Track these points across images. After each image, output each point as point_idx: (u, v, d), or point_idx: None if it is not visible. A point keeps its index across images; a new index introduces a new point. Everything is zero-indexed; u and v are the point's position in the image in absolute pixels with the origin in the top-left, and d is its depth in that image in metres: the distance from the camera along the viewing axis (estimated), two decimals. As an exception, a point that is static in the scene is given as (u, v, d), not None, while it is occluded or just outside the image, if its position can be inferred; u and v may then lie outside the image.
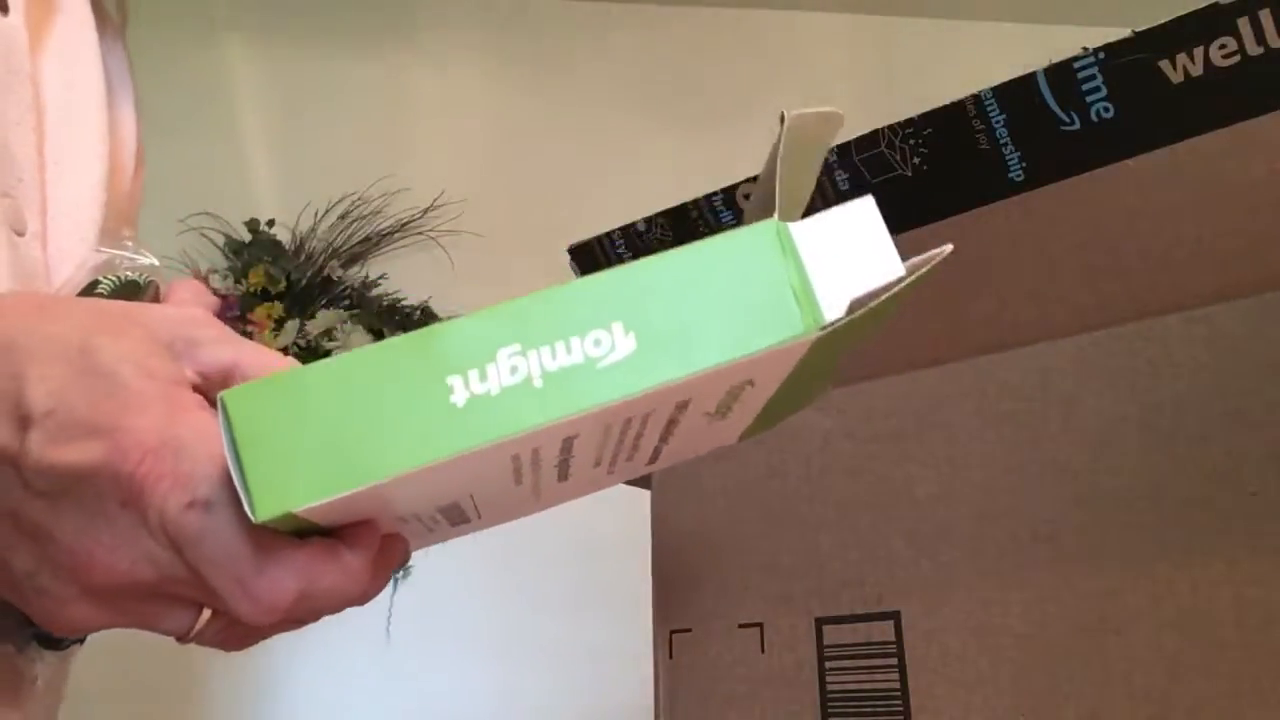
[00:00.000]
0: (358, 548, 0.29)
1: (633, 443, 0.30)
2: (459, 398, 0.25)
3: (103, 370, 0.28)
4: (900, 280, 0.27)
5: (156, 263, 0.44)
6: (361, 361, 0.26)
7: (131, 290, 0.41)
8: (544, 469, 0.29)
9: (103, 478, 0.27)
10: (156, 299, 0.43)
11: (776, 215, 0.27)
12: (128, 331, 0.29)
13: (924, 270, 0.28)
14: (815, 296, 0.26)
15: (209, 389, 0.30)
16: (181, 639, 0.31)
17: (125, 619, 0.30)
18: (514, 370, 0.25)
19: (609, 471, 0.33)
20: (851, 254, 0.27)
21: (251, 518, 0.25)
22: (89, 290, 0.41)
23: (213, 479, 0.27)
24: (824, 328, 0.26)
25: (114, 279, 0.41)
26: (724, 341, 0.25)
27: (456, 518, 0.32)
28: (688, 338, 0.25)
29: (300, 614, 0.30)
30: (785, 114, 0.30)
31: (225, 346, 0.31)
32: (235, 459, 0.25)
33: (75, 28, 0.51)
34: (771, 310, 0.26)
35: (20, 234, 0.42)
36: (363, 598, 0.31)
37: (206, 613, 0.30)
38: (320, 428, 0.25)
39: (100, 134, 0.51)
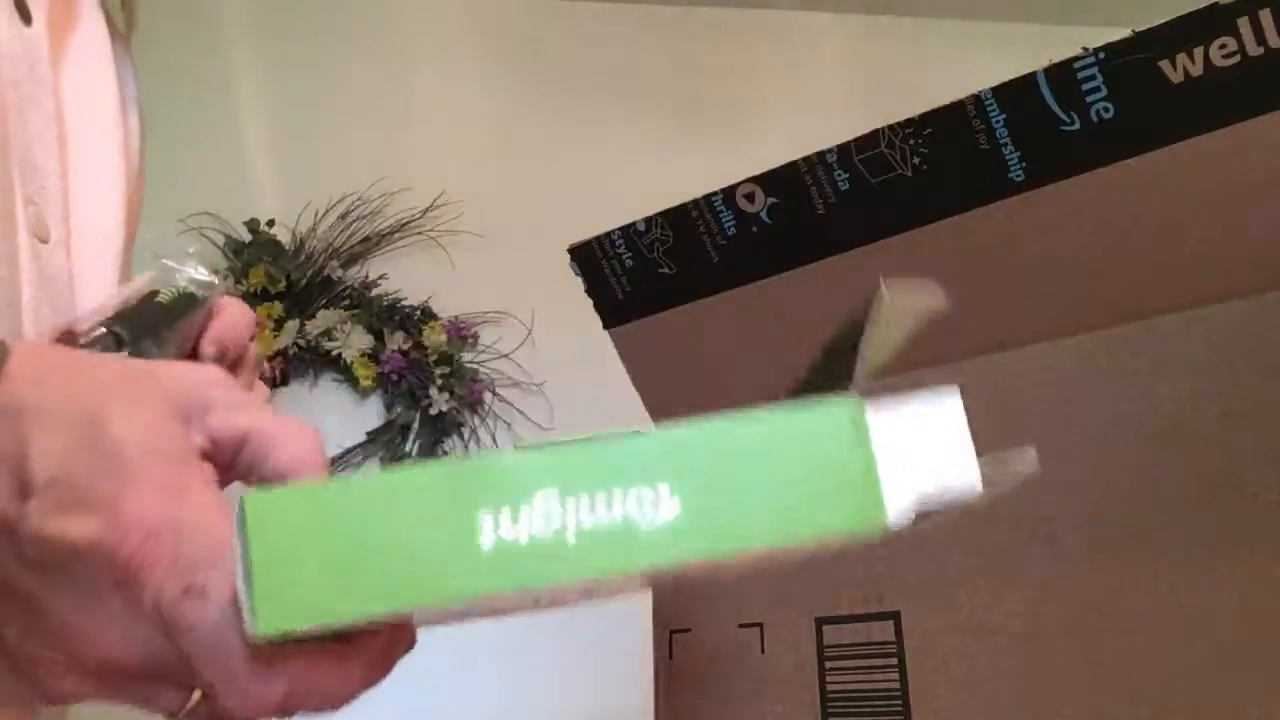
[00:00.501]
0: (358, 655, 0.28)
1: None
2: (487, 540, 0.24)
3: (109, 443, 0.27)
4: (974, 495, 0.26)
5: (215, 280, 0.44)
6: (395, 484, 0.24)
7: (188, 303, 0.41)
8: (563, 594, 0.28)
9: (97, 557, 0.27)
10: (210, 315, 0.43)
11: (853, 393, 0.25)
12: (142, 398, 0.29)
13: (997, 488, 0.26)
14: (882, 497, 0.24)
15: (220, 456, 0.29)
16: (172, 716, 0.31)
17: (115, 695, 0.30)
18: (548, 518, 0.24)
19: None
20: (928, 456, 0.25)
21: (250, 631, 0.24)
22: (149, 299, 0.40)
23: (211, 566, 0.26)
24: (885, 530, 0.24)
25: (173, 290, 0.41)
26: (774, 524, 0.24)
27: (465, 617, 0.31)
28: (736, 513, 0.24)
29: (292, 709, 0.29)
30: (883, 285, 0.28)
31: (239, 413, 0.30)
32: (245, 566, 0.24)
33: (92, 38, 0.51)
34: (832, 501, 0.24)
35: (44, 241, 0.42)
36: (361, 693, 0.30)
37: (197, 693, 0.29)
38: (339, 549, 0.24)
39: (117, 143, 0.51)
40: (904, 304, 0.29)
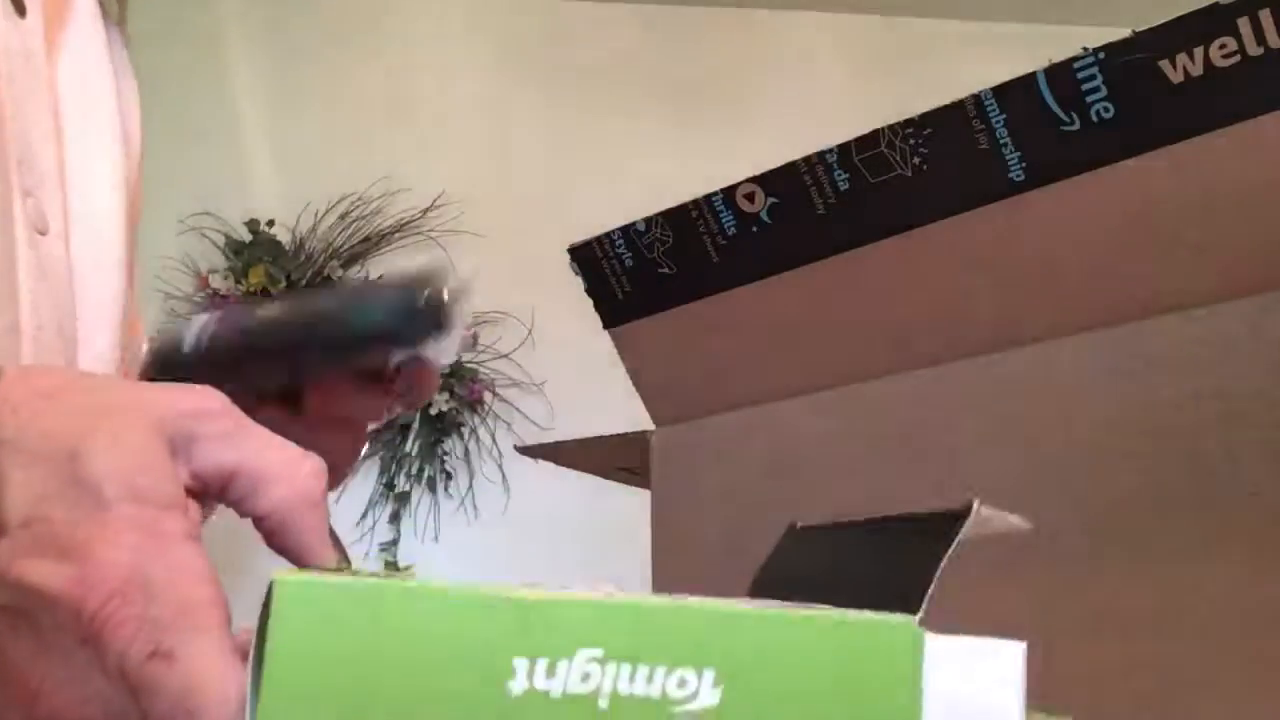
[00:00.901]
0: None
1: None
2: (518, 686, 0.23)
3: (88, 481, 0.26)
4: None
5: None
6: (435, 602, 0.23)
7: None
8: None
9: (64, 608, 0.25)
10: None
11: (918, 616, 0.25)
12: (128, 428, 0.27)
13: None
14: None
15: (205, 492, 0.28)
16: None
17: None
18: (585, 678, 0.23)
19: None
20: (974, 706, 0.25)
21: None
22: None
23: (181, 629, 0.25)
24: None
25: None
26: None
27: None
28: (775, 712, 0.23)
29: None
30: (976, 506, 0.28)
31: (227, 447, 0.28)
32: (259, 649, 0.23)
33: (86, 27, 0.51)
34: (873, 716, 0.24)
35: (43, 233, 0.42)
36: None
37: None
38: (363, 657, 0.23)
39: (114, 133, 0.51)
40: (986, 527, 0.30)
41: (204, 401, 0.29)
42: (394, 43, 2.20)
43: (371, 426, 0.47)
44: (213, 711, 0.24)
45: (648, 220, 0.56)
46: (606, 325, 0.59)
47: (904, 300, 0.51)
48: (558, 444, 0.66)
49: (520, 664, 0.23)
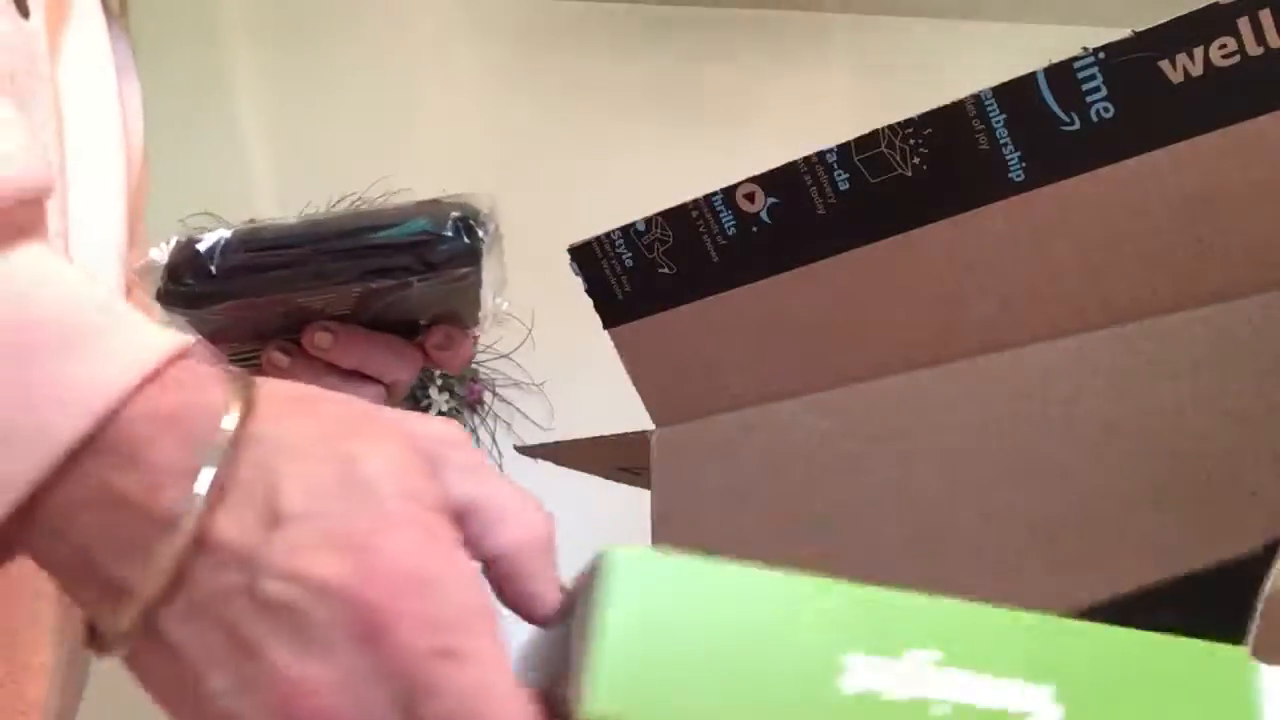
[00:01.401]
0: None
1: None
2: (851, 684, 0.22)
3: (364, 480, 0.25)
4: None
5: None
6: (775, 585, 0.23)
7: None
8: None
9: (342, 600, 0.24)
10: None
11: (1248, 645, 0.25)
12: (389, 438, 0.27)
13: None
14: None
15: None
16: None
17: None
18: (923, 682, 0.22)
19: None
20: None
21: (575, 708, 0.21)
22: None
23: (466, 631, 0.24)
24: None
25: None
26: None
27: None
28: None
29: None
30: None
31: (471, 479, 0.28)
32: (587, 629, 0.22)
33: (88, 27, 0.51)
34: None
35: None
36: None
37: None
38: (693, 639, 0.22)
39: (116, 133, 0.51)
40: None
41: (450, 430, 0.29)
42: (394, 43, 2.20)
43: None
44: (499, 714, 0.24)
45: (648, 220, 0.56)
46: (606, 325, 0.59)
47: (904, 300, 0.51)
48: (558, 444, 0.66)
49: (854, 659, 0.22)
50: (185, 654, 0.25)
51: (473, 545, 0.28)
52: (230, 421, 0.26)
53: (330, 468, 0.25)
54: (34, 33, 0.45)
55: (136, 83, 0.57)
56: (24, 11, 0.44)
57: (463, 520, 0.27)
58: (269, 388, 0.27)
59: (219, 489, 0.25)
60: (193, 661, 0.25)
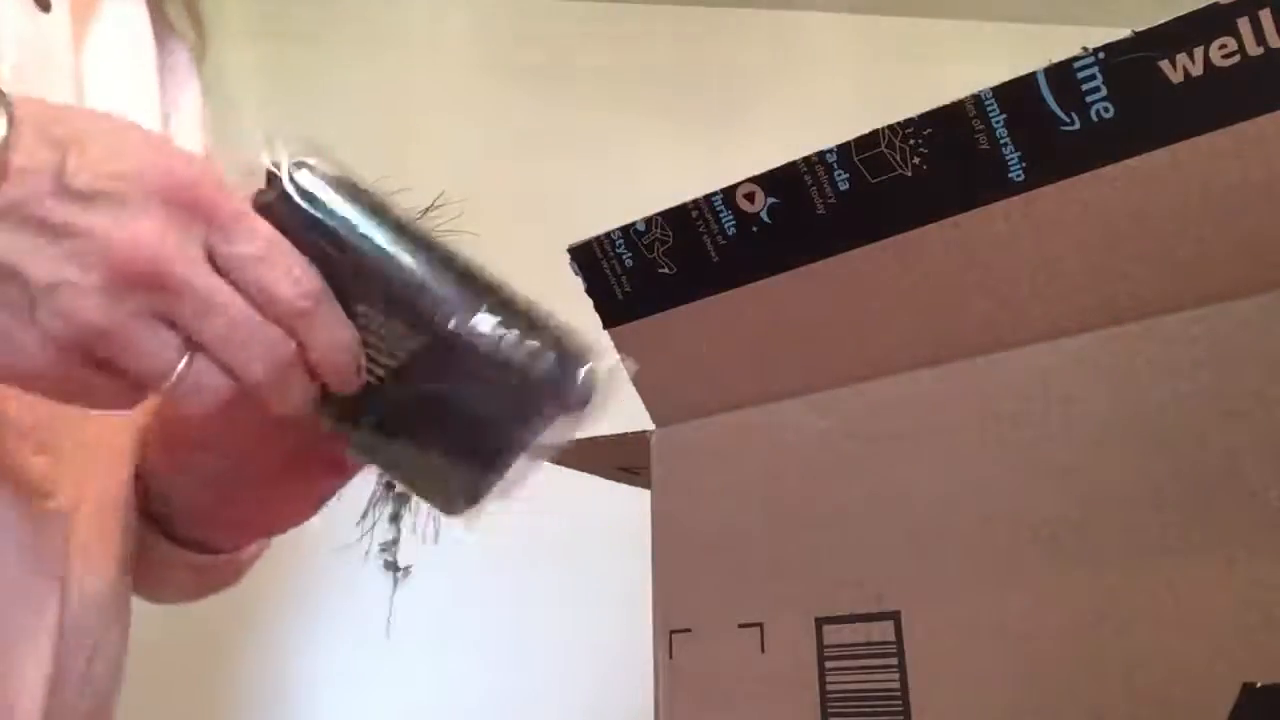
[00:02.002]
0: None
1: None
2: None
3: (118, 118, 0.33)
4: None
5: None
6: None
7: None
8: None
9: (150, 177, 0.31)
10: None
11: None
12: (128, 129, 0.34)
13: None
14: None
15: None
16: (158, 384, 0.33)
17: (121, 333, 0.32)
18: None
19: None
20: None
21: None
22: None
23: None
24: None
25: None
26: None
27: None
28: None
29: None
30: None
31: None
32: None
33: (123, 17, 0.52)
34: None
35: None
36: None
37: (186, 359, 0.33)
38: None
39: (148, 122, 0.52)
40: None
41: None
42: (394, 42, 2.20)
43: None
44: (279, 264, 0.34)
45: (648, 220, 0.56)
46: (606, 325, 0.59)
47: (904, 300, 0.51)
48: (558, 444, 0.66)
49: None
50: None
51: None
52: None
53: (86, 112, 0.33)
54: (55, 25, 0.45)
55: (194, 106, 0.58)
56: (45, 6, 0.45)
57: None
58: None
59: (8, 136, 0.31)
60: (7, 265, 0.31)
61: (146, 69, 0.53)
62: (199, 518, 0.52)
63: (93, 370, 0.33)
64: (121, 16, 0.52)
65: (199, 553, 0.54)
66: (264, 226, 0.34)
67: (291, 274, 0.33)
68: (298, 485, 0.46)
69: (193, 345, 0.33)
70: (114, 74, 0.49)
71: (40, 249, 0.31)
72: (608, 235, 0.57)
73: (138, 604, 0.60)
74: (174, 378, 0.33)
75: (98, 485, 0.47)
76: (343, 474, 0.45)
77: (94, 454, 0.47)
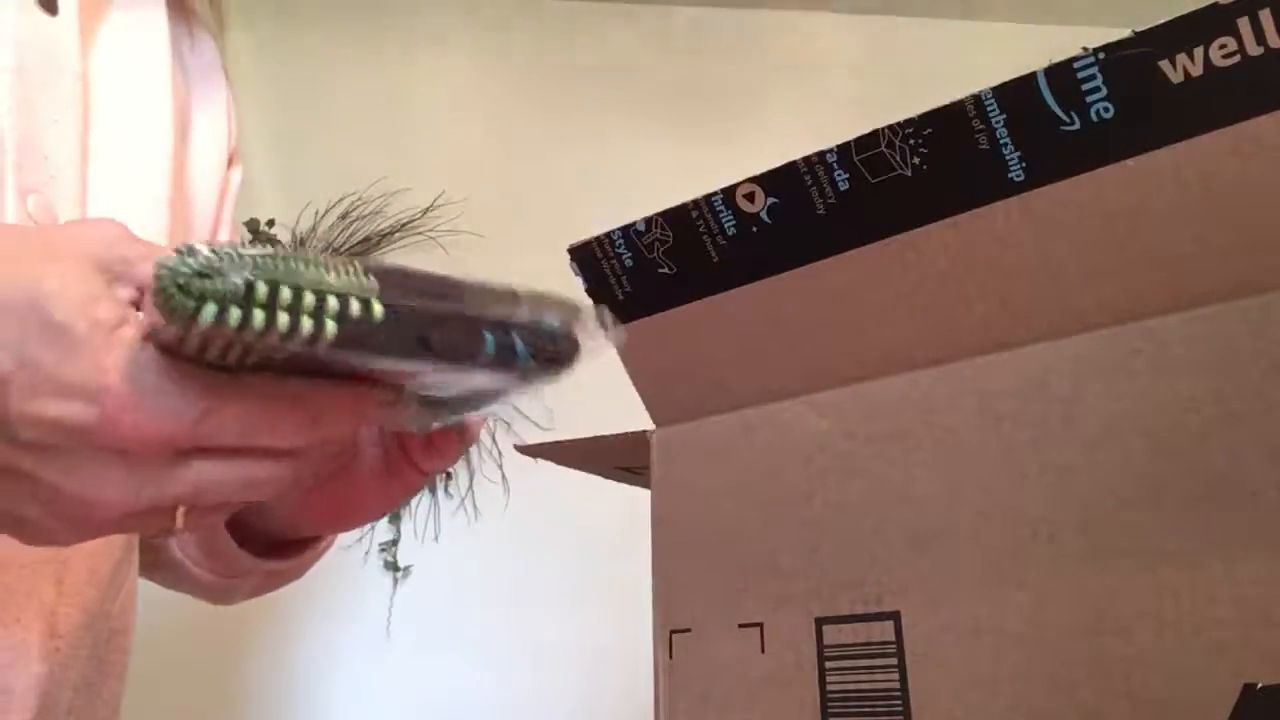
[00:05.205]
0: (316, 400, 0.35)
1: None
2: None
3: (58, 324, 0.30)
4: None
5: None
6: None
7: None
8: None
9: (87, 433, 0.30)
10: None
11: None
12: (70, 268, 0.31)
13: None
14: None
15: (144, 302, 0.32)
16: (163, 534, 0.34)
17: (110, 533, 0.33)
18: None
19: None
20: None
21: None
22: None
23: (190, 425, 0.31)
24: None
25: None
26: None
27: None
28: None
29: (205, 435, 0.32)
30: None
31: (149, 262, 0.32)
32: None
33: (134, 25, 0.51)
34: None
35: None
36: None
37: (181, 510, 0.33)
38: None
39: (161, 130, 0.51)
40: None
41: (117, 230, 0.33)
42: (394, 43, 2.20)
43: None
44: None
45: (648, 220, 0.56)
46: (606, 325, 0.59)
47: (904, 300, 0.51)
48: (558, 444, 0.66)
49: None
50: None
51: None
52: None
53: (25, 316, 0.30)
54: (58, 25, 0.45)
55: (221, 102, 0.57)
56: (51, 9, 0.44)
57: None
58: None
59: None
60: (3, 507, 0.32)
61: (160, 71, 0.52)
62: (287, 514, 0.52)
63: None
64: (136, 19, 0.51)
65: (279, 559, 0.54)
66: (221, 412, 0.31)
67: (270, 438, 0.33)
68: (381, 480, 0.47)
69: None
70: (124, 77, 0.49)
71: (23, 495, 0.31)
72: (608, 235, 0.57)
73: (137, 604, 0.60)
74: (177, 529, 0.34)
75: None
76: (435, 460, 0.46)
77: None
